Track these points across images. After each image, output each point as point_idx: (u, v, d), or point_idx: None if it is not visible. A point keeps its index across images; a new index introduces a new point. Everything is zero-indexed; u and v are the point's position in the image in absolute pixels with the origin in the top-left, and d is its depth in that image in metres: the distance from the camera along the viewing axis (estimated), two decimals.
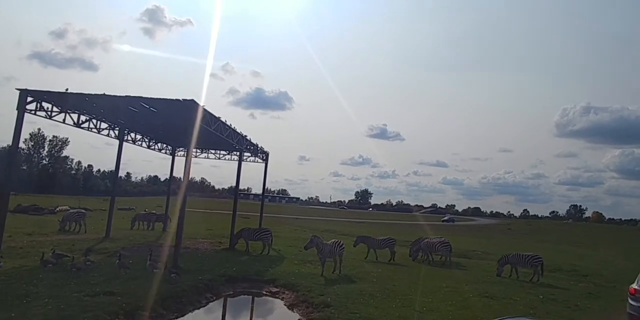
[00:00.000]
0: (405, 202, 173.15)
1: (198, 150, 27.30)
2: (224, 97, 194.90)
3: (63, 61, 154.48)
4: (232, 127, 19.15)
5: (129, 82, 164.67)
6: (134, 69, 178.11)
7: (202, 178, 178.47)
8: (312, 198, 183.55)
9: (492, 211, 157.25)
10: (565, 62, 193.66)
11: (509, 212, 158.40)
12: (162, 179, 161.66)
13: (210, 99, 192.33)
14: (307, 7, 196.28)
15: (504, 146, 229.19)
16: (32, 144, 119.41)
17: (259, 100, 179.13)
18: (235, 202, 23.35)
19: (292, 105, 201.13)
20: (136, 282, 11.47)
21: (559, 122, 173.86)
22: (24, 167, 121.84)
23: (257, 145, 24.24)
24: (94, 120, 19.09)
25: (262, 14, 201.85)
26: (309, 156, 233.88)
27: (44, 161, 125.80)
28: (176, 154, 28.15)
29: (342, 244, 16.51)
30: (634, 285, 9.88)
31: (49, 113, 16.23)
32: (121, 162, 22.14)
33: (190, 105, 14.26)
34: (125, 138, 22.12)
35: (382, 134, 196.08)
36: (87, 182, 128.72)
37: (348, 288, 13.43)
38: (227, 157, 27.32)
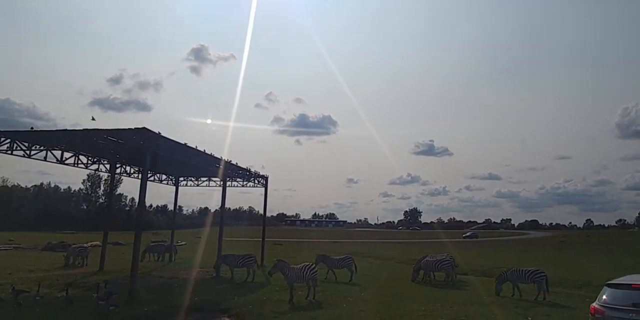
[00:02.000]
0: (458, 218, 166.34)
1: (192, 179, 27.51)
2: (270, 125, 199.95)
3: (120, 105, 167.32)
4: (209, 153, 19.02)
5: (181, 119, 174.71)
6: (184, 105, 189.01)
7: (249, 206, 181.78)
8: (360, 220, 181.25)
9: (551, 223, 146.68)
10: (620, 57, 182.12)
11: (570, 223, 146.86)
12: (213, 210, 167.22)
13: (257, 128, 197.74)
14: (344, 30, 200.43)
15: (561, 153, 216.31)
16: (90, 184, 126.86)
17: (304, 126, 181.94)
18: (221, 229, 22.77)
19: (337, 128, 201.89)
20: (68, 316, 11.21)
21: (620, 122, 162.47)
22: (84, 206, 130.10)
23: (248, 169, 23.98)
24: (81, 156, 19.69)
25: (300, 41, 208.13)
26: (357, 178, 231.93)
27: (101, 199, 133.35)
28: (180, 184, 28.56)
29: (314, 268, 15.50)
30: (595, 304, 8.24)
31: (28, 152, 16.91)
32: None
33: (141, 133, 14.27)
34: (119, 171, 22.68)
35: (429, 150, 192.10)
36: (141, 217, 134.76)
37: (306, 316, 12.42)
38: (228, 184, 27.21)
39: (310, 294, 15.09)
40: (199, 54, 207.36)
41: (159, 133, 14.59)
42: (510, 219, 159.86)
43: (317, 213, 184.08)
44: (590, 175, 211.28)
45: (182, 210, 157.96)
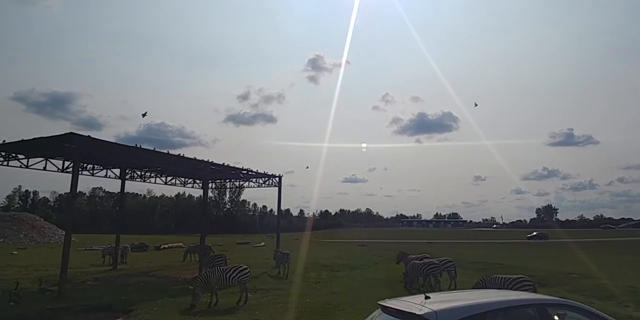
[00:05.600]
0: (608, 215, 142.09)
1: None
2: (388, 127, 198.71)
3: (250, 119, 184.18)
4: (177, 154, 19.04)
5: (304, 127, 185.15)
6: (305, 113, 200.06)
7: (367, 209, 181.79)
8: (486, 220, 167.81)
9: None
10: None
11: None
12: (333, 213, 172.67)
13: (375, 131, 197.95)
14: (456, 18, 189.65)
15: None
16: (217, 192, 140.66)
17: (423, 125, 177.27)
18: (203, 233, 22.38)
19: (458, 124, 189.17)
20: None
21: None
22: (215, 212, 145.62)
23: (243, 169, 23.41)
24: (87, 165, 21.55)
25: (410, 38, 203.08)
26: (485, 175, 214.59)
27: (227, 206, 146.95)
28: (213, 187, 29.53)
29: (244, 270, 14.17)
30: None
31: (25, 162, 19.03)
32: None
33: (71, 138, 14.86)
34: (132, 176, 24.26)
35: (568, 140, 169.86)
36: (263, 220, 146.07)
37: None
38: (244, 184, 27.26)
39: (242, 298, 13.90)
40: (315, 64, 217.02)
41: (89, 136, 15.05)
42: None
43: (438, 213, 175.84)
44: None
45: (303, 213, 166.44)
